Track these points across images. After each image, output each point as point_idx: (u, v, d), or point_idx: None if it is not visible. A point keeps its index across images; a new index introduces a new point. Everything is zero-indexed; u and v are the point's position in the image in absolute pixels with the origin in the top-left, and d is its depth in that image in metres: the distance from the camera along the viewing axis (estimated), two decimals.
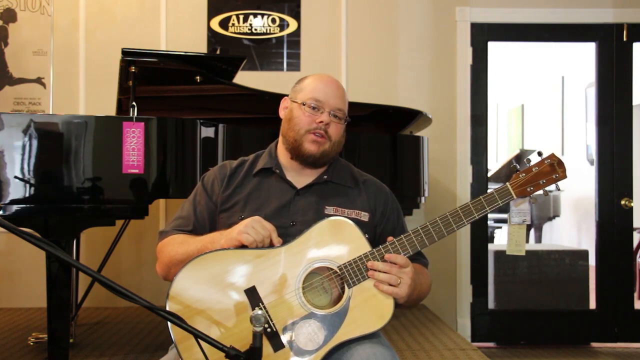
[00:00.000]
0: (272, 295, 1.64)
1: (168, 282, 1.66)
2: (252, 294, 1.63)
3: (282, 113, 1.92)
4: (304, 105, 1.83)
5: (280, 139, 1.92)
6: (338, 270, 1.67)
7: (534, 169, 1.75)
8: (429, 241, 1.72)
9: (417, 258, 1.84)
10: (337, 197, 1.84)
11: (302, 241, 1.69)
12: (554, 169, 1.76)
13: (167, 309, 1.60)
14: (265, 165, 1.88)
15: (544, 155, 1.78)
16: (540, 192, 1.77)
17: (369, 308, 1.66)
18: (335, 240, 1.70)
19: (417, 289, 1.72)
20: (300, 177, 1.86)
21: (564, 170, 1.77)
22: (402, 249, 1.70)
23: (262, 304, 1.62)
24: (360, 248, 1.69)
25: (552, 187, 1.80)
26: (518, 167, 1.77)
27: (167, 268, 1.78)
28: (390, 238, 1.72)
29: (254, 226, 1.64)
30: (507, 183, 1.75)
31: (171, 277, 1.71)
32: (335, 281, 1.69)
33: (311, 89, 1.84)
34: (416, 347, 3.34)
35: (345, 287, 1.66)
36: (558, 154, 1.79)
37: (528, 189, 1.75)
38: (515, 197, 1.75)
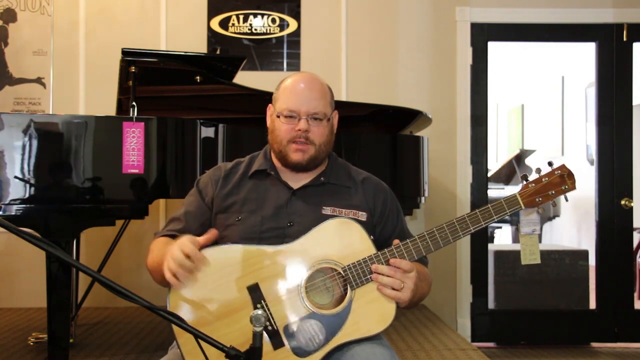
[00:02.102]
0: (275, 293, 1.64)
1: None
2: (254, 291, 1.63)
3: (268, 121, 1.89)
4: (278, 117, 1.80)
5: None
6: (342, 272, 1.67)
7: (543, 180, 1.74)
8: (435, 247, 1.72)
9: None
10: (335, 196, 1.83)
11: (307, 240, 1.69)
12: (563, 180, 1.75)
13: (169, 303, 1.62)
14: (261, 167, 1.87)
15: (555, 166, 1.76)
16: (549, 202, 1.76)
17: (371, 311, 1.66)
18: (340, 241, 1.69)
19: (418, 292, 1.72)
20: (297, 178, 1.85)
21: (574, 182, 1.75)
22: (407, 254, 1.69)
23: (264, 301, 1.63)
24: (365, 250, 1.68)
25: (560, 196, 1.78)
26: (528, 177, 1.76)
27: (149, 269, 1.80)
28: (396, 241, 1.71)
29: (172, 257, 1.59)
30: (517, 193, 1.74)
31: (155, 281, 1.74)
32: (338, 282, 1.68)
33: (284, 98, 1.81)
34: (416, 347, 3.34)
35: (348, 288, 1.66)
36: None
37: (537, 200, 1.74)
38: (523, 207, 1.74)
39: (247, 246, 1.69)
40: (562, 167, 1.76)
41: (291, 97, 1.80)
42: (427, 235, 1.71)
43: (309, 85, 1.82)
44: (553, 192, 1.74)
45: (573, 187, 1.75)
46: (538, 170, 1.76)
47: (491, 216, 1.72)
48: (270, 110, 1.88)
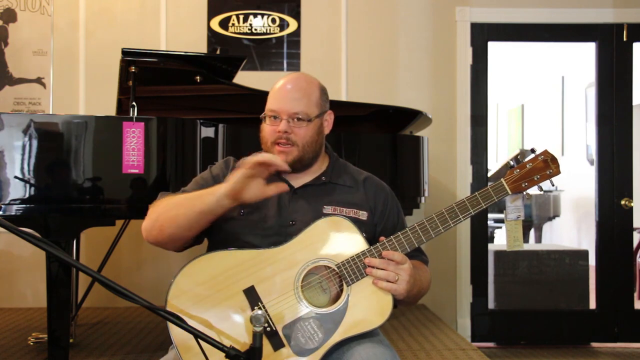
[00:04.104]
0: (271, 294, 1.64)
1: (168, 282, 1.66)
2: (250, 294, 1.63)
3: None
4: (263, 119, 1.83)
5: None
6: (336, 269, 1.67)
7: (527, 165, 1.78)
8: (426, 237, 1.73)
9: (417, 255, 1.85)
10: (336, 196, 1.84)
11: (300, 240, 1.69)
12: (547, 165, 1.78)
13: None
14: None
15: (538, 152, 1.80)
16: (535, 188, 1.79)
17: (368, 305, 1.66)
18: (332, 238, 1.70)
19: (416, 285, 1.72)
20: (298, 177, 1.85)
21: (558, 166, 1.79)
22: (399, 246, 1.71)
23: (261, 303, 1.63)
24: (357, 246, 1.69)
25: (549, 185, 1.82)
26: (512, 164, 1.79)
27: (154, 217, 1.75)
28: (381, 238, 1.72)
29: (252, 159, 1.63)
30: (502, 179, 1.78)
31: (156, 232, 1.73)
32: (333, 280, 1.69)
33: (269, 100, 1.83)
34: (416, 347, 3.34)
35: (344, 285, 1.67)
36: (553, 151, 1.81)
37: (523, 185, 1.77)
38: (510, 192, 1.77)
39: (240, 250, 1.69)
40: (545, 152, 1.79)
41: (274, 98, 1.82)
42: (417, 226, 1.73)
43: (293, 85, 1.83)
44: (538, 176, 1.77)
45: (557, 172, 1.78)
46: (522, 157, 1.79)
47: (479, 203, 1.75)
48: None
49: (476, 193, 1.76)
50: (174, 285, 1.64)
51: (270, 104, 1.82)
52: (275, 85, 1.86)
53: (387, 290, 1.66)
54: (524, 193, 1.80)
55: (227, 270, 1.65)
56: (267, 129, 1.81)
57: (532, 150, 1.80)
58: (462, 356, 3.17)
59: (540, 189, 1.82)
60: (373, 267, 1.67)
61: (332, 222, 1.71)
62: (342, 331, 1.63)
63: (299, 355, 1.61)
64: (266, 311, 1.62)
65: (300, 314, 1.63)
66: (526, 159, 1.79)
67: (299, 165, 1.82)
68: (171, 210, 1.73)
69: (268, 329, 1.60)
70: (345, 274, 1.67)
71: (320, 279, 1.68)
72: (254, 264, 1.66)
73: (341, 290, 1.67)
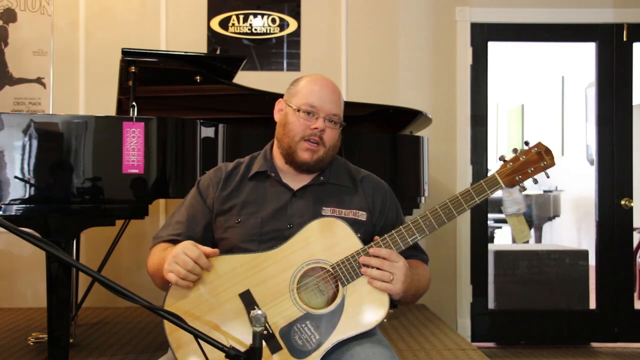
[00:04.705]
0: (267, 297, 1.63)
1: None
2: (246, 298, 1.63)
3: (276, 116, 1.88)
4: (298, 111, 1.79)
5: (275, 142, 1.88)
6: (331, 269, 1.67)
7: (521, 158, 1.74)
8: (420, 234, 1.71)
9: (416, 254, 1.84)
10: (334, 197, 1.83)
11: (294, 242, 1.69)
12: (541, 157, 1.75)
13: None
14: (261, 168, 1.86)
15: (531, 144, 1.77)
16: (536, 187, 1.77)
17: (364, 305, 1.65)
18: (326, 239, 1.69)
19: (413, 285, 1.71)
20: (297, 179, 1.84)
21: (552, 158, 1.75)
22: (393, 244, 1.69)
23: (257, 306, 1.62)
24: (352, 246, 1.68)
25: (548, 184, 1.79)
26: (505, 157, 1.77)
27: (148, 271, 1.81)
28: (375, 238, 1.71)
29: (177, 261, 1.59)
30: (495, 172, 1.75)
31: (156, 285, 1.76)
32: (329, 281, 1.68)
33: (306, 93, 1.80)
34: (416, 347, 3.34)
35: (340, 285, 1.66)
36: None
37: (516, 178, 1.74)
38: (503, 186, 1.74)
39: (235, 255, 1.69)
40: (539, 145, 1.76)
41: (314, 94, 1.80)
42: (411, 223, 1.71)
43: (331, 87, 1.84)
44: (532, 169, 1.74)
45: (552, 163, 1.75)
46: (514, 150, 1.77)
47: (473, 198, 1.72)
48: (280, 105, 1.88)
49: (469, 188, 1.74)
50: (171, 291, 1.64)
51: (310, 99, 1.79)
52: (310, 81, 1.83)
53: (383, 290, 1.65)
54: (519, 186, 1.77)
55: (223, 275, 1.65)
56: (300, 123, 1.79)
57: (526, 143, 1.78)
58: (462, 356, 3.17)
59: (536, 181, 1.79)
60: (368, 266, 1.66)
61: (325, 223, 1.71)
62: (339, 332, 1.62)
63: (297, 357, 1.60)
64: None
65: (297, 316, 1.63)
66: (519, 152, 1.76)
67: (318, 166, 1.82)
68: (153, 276, 1.78)
69: (265, 332, 1.59)
70: (340, 274, 1.66)
71: (317, 281, 1.68)
72: (249, 267, 1.66)
73: (337, 291, 1.67)
